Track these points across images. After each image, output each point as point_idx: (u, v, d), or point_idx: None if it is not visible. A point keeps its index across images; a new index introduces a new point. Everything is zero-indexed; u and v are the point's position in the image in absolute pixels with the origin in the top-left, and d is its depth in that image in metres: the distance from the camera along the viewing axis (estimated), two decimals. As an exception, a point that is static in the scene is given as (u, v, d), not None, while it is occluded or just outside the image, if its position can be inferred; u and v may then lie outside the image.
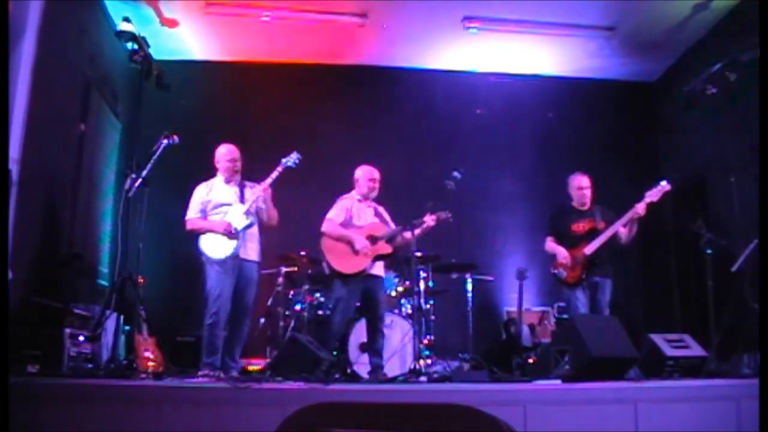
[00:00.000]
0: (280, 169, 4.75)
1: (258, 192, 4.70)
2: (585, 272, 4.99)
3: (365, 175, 5.11)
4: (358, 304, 5.90)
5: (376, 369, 4.75)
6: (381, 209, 5.17)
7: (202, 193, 4.78)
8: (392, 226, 5.06)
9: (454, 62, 7.42)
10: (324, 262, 4.96)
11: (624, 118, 7.56)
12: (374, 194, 5.11)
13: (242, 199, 4.78)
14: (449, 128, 7.37)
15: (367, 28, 6.57)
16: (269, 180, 4.72)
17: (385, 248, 4.92)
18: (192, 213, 4.73)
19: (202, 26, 6.58)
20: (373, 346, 4.87)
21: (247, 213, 4.69)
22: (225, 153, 4.88)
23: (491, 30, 6.63)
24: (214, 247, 4.61)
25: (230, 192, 4.80)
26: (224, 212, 4.71)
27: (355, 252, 4.82)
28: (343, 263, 4.84)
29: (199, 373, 4.17)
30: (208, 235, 4.64)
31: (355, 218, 4.99)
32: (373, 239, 4.89)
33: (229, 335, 4.57)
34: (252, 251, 4.73)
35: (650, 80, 7.67)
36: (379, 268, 4.98)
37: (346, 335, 5.39)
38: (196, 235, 4.69)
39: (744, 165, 5.68)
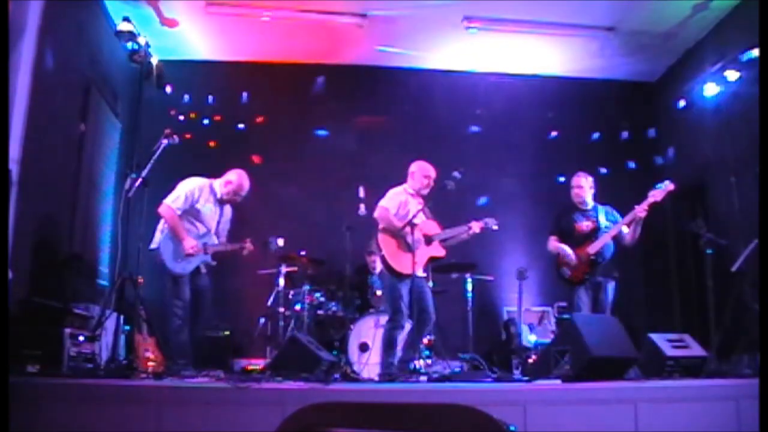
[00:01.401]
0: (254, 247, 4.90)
1: (232, 250, 4.84)
2: (588, 271, 4.99)
3: (421, 170, 4.93)
4: (358, 301, 5.92)
5: (401, 364, 4.62)
6: (427, 209, 4.99)
7: (196, 195, 4.73)
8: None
9: (454, 62, 7.41)
10: (379, 255, 4.85)
11: (624, 118, 7.56)
12: (426, 191, 4.93)
13: (218, 222, 4.86)
14: (449, 128, 7.38)
15: (367, 28, 6.58)
16: (250, 247, 4.85)
17: (440, 250, 4.77)
18: (177, 204, 4.65)
19: (203, 26, 6.58)
20: (413, 344, 4.76)
21: (212, 257, 4.79)
22: (243, 185, 4.87)
23: (491, 30, 6.63)
24: (176, 260, 4.60)
25: (214, 213, 4.84)
26: (199, 231, 4.74)
27: (410, 251, 4.62)
28: (399, 261, 4.67)
29: (183, 373, 4.16)
30: (172, 239, 4.62)
31: (410, 214, 4.77)
32: (428, 239, 4.74)
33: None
34: (193, 266, 4.74)
35: (651, 80, 7.67)
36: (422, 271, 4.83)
37: (345, 335, 5.40)
38: (160, 225, 4.67)
39: (744, 165, 5.68)
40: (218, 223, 4.89)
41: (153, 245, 4.64)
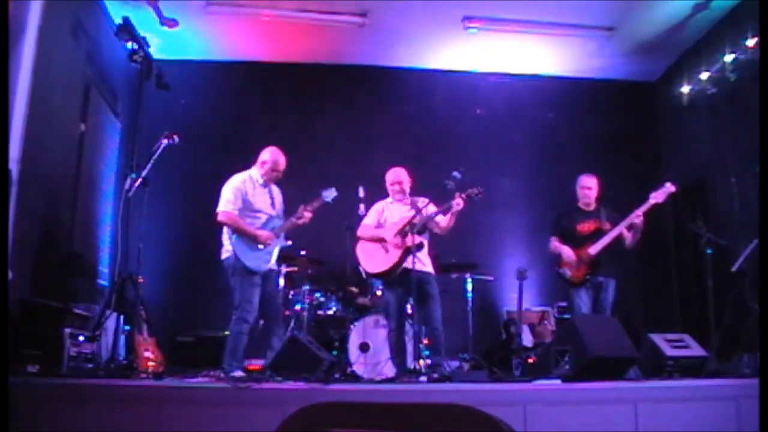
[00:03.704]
0: (316, 204, 4.82)
1: (294, 222, 4.75)
2: (589, 272, 4.99)
3: (387, 179, 5.06)
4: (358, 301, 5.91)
5: (434, 367, 4.57)
6: (424, 201, 4.92)
7: (243, 188, 4.68)
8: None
9: (454, 62, 7.41)
10: (360, 266, 5.02)
11: (624, 118, 7.56)
12: (400, 196, 4.99)
13: (273, 204, 4.83)
14: (449, 128, 7.37)
15: (367, 28, 6.58)
16: (308, 213, 4.76)
17: (414, 240, 4.72)
18: (232, 206, 4.58)
19: (203, 26, 6.58)
20: (429, 345, 4.78)
21: (284, 236, 4.77)
22: (278, 161, 4.84)
23: (491, 30, 6.63)
24: (255, 257, 4.56)
25: (265, 197, 4.81)
26: (260, 219, 4.70)
27: (386, 250, 4.76)
28: (371, 264, 4.85)
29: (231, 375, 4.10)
30: (242, 238, 4.56)
31: (390, 219, 4.92)
32: (403, 233, 4.76)
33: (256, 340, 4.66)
34: (273, 260, 4.75)
35: (650, 80, 7.67)
36: (420, 263, 4.73)
37: (345, 335, 5.40)
38: (226, 229, 4.60)
39: (744, 165, 5.68)
40: (273, 205, 4.84)
41: (224, 255, 4.59)
